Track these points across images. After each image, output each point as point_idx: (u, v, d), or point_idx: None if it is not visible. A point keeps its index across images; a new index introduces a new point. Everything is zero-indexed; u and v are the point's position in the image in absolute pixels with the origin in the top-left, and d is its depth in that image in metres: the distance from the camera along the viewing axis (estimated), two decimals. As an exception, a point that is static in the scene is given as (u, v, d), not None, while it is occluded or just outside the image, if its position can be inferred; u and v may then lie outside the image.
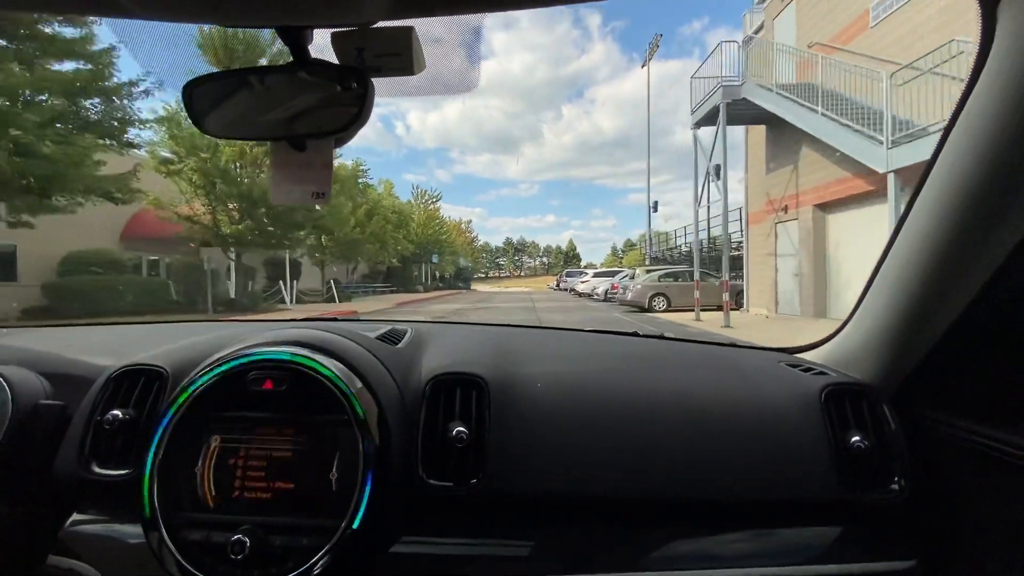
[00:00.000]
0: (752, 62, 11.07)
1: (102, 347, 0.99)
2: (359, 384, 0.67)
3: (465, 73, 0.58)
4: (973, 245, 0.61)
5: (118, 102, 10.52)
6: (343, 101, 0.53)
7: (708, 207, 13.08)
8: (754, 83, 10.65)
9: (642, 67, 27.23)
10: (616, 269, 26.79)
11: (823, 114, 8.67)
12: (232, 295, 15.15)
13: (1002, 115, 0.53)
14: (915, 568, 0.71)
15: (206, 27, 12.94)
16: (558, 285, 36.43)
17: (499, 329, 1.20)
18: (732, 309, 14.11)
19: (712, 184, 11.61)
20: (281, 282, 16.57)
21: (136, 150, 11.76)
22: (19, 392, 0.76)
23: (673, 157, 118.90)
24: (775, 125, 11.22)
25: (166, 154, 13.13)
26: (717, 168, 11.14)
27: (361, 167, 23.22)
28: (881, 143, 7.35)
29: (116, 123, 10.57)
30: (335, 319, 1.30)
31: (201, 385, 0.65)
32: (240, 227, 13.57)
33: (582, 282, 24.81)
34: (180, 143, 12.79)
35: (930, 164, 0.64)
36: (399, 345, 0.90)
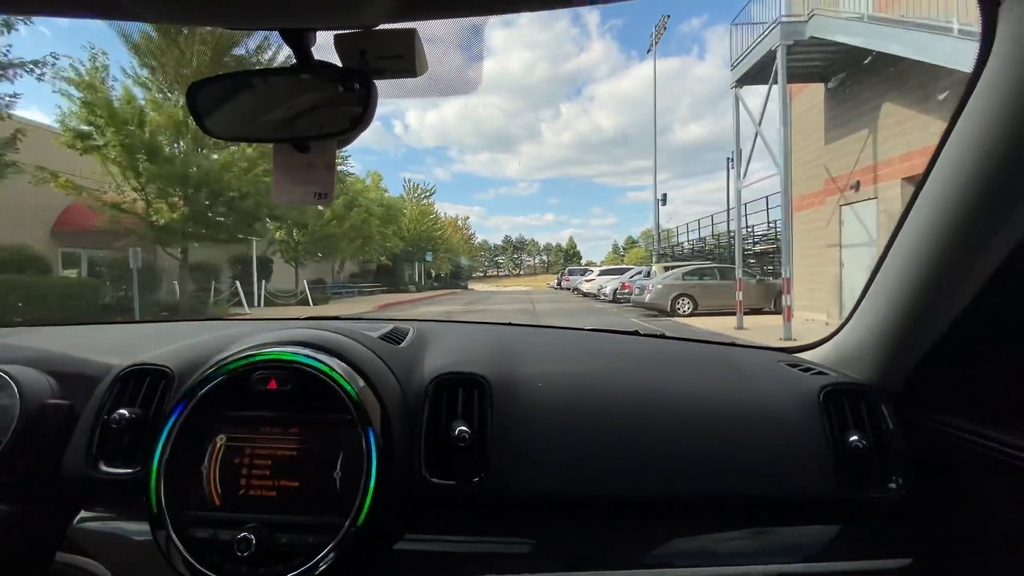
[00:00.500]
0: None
1: (109, 346, 0.98)
2: (362, 384, 0.68)
3: (466, 74, 0.59)
4: (973, 245, 0.61)
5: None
6: (346, 103, 0.53)
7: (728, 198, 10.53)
8: (825, 16, 8.14)
9: (648, 51, 25.50)
10: (625, 266, 24.37)
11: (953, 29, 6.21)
12: (179, 296, 12.75)
13: (1002, 116, 0.54)
14: (912, 566, 0.72)
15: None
16: (559, 284, 34.53)
17: (501, 328, 1.20)
18: (767, 313, 11.97)
19: (739, 168, 9.18)
20: (238, 282, 14.17)
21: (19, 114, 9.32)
22: (27, 392, 0.77)
23: (672, 156, 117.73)
24: (843, 81, 8.77)
25: (83, 127, 10.59)
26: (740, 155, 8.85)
27: (340, 154, 20.76)
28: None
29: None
30: (336, 318, 1.30)
31: (207, 385, 0.66)
32: (177, 216, 11.09)
33: (587, 280, 22.40)
34: (96, 112, 10.26)
35: (931, 164, 0.64)
36: (402, 344, 0.90)
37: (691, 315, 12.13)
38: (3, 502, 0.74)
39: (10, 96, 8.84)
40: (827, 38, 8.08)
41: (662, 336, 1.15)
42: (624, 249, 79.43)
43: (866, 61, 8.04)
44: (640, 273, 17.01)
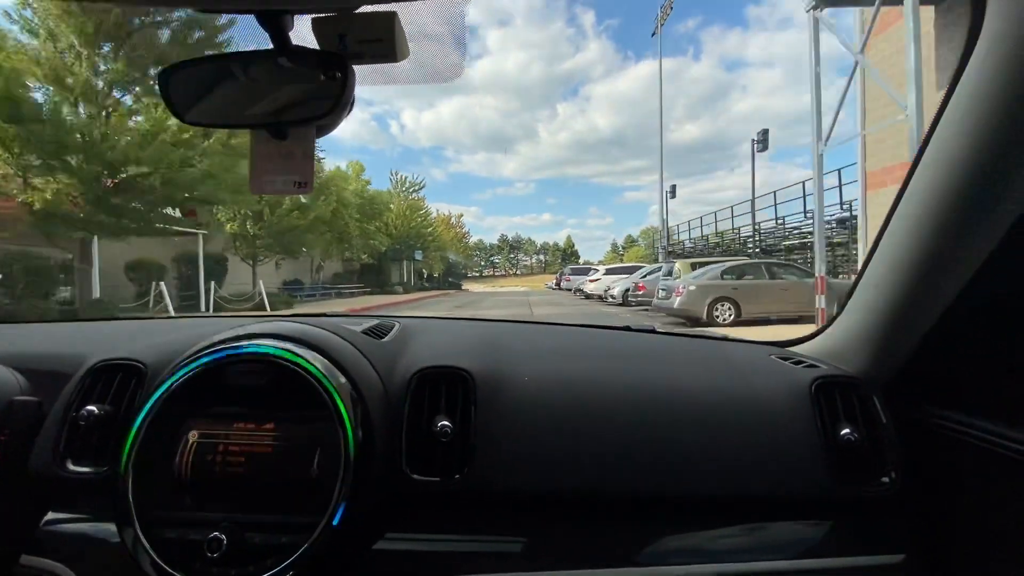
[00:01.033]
0: None
1: (84, 343, 0.95)
2: (341, 378, 0.66)
3: (449, 60, 0.58)
4: (963, 235, 0.60)
5: None
6: (324, 88, 0.52)
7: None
8: None
9: (652, 35, 23.17)
10: (635, 264, 21.52)
11: None
12: (83, 300, 9.96)
13: (991, 100, 0.52)
14: (905, 562, 0.71)
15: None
16: (558, 284, 31.74)
17: (488, 324, 1.18)
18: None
19: (816, 122, 6.41)
20: (162, 284, 11.38)
21: None
22: None
23: (668, 156, 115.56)
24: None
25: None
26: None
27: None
28: None
29: None
30: (323, 315, 1.23)
31: (179, 379, 0.64)
32: (54, 197, 8.27)
33: (592, 280, 19.58)
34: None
35: (920, 152, 0.63)
36: (384, 339, 0.88)
37: (733, 323, 9.43)
38: None
39: None
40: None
41: (652, 331, 1.13)
42: (623, 248, 78.11)
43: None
44: (658, 272, 14.25)
